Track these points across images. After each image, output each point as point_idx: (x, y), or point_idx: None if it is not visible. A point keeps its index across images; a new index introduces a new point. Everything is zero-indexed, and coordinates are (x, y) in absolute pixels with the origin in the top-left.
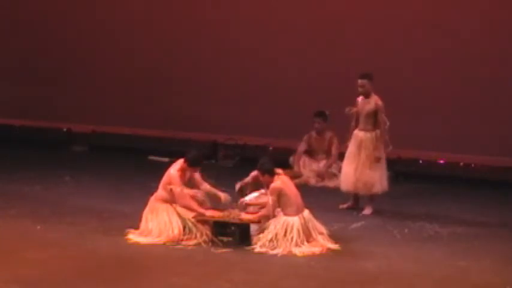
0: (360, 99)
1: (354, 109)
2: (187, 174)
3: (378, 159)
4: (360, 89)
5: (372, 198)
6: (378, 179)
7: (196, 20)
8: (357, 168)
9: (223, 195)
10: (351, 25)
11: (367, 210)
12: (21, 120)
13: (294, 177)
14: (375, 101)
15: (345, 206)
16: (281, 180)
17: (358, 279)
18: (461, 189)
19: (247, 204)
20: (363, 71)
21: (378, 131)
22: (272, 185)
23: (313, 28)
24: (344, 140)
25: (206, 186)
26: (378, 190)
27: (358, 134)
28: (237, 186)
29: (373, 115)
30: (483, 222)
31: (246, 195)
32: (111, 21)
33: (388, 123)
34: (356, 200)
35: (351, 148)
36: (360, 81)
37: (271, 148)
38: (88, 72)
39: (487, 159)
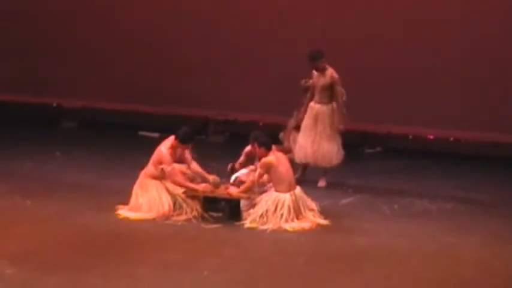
0: (315, 72)
1: (310, 81)
2: (178, 151)
3: (340, 130)
4: (313, 68)
5: (327, 171)
6: (336, 151)
7: None
8: (314, 141)
9: (211, 177)
10: (345, 2)
11: (322, 183)
12: (10, 95)
13: (283, 153)
14: (330, 74)
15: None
16: (275, 156)
17: (348, 255)
18: (451, 164)
19: (241, 181)
20: (310, 54)
21: (335, 104)
22: (264, 159)
23: (305, 2)
24: (298, 113)
25: (195, 166)
26: (338, 162)
27: (314, 106)
28: (229, 166)
29: (329, 88)
30: (473, 198)
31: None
32: None
33: (345, 95)
34: (304, 172)
35: (307, 121)
36: (310, 64)
37: (261, 124)
38: (78, 47)
39: (477, 134)
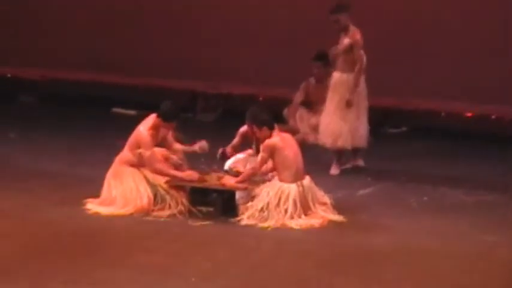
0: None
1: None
2: (161, 132)
3: (348, 104)
4: (335, 26)
5: (340, 155)
6: (348, 131)
7: None
8: (326, 115)
9: (197, 145)
10: None
11: (335, 170)
12: None
13: (290, 134)
14: (351, 35)
15: (347, 165)
16: (281, 137)
17: (366, 257)
18: (492, 148)
19: (238, 172)
20: (334, 4)
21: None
22: (267, 141)
23: None
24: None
25: (177, 147)
26: (346, 145)
27: (334, 75)
28: (219, 151)
29: (350, 52)
30: None
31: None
32: None
33: (365, 61)
34: (353, 158)
35: (328, 93)
36: (331, 16)
37: (261, 98)
38: (36, 5)
39: None
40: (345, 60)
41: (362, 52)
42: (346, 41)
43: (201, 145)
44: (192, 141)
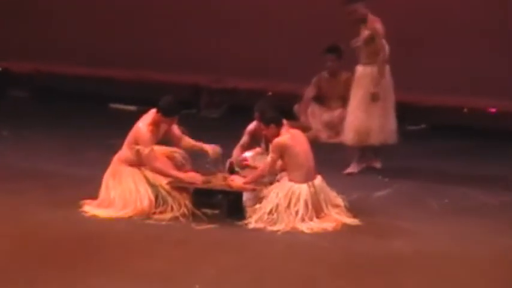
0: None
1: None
2: (162, 128)
3: (373, 97)
4: (350, 18)
5: (362, 153)
6: (377, 127)
7: None
8: (350, 111)
9: (211, 148)
10: None
11: (351, 169)
12: None
13: (301, 131)
14: (370, 25)
15: (363, 165)
16: (291, 135)
17: (382, 263)
18: None
19: (247, 165)
20: None
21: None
22: (276, 140)
23: None
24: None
25: (187, 140)
26: (373, 142)
27: (358, 69)
28: (228, 163)
29: (371, 43)
30: None
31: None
32: None
33: (387, 51)
34: (371, 158)
35: (352, 88)
36: (346, 7)
37: (270, 93)
38: None
39: None
40: (367, 52)
41: (384, 42)
42: (366, 32)
43: (214, 148)
44: (197, 139)
